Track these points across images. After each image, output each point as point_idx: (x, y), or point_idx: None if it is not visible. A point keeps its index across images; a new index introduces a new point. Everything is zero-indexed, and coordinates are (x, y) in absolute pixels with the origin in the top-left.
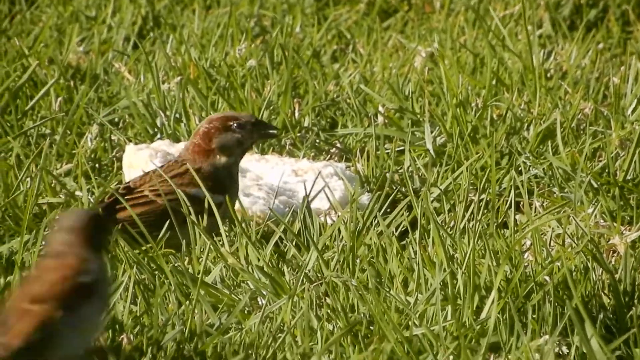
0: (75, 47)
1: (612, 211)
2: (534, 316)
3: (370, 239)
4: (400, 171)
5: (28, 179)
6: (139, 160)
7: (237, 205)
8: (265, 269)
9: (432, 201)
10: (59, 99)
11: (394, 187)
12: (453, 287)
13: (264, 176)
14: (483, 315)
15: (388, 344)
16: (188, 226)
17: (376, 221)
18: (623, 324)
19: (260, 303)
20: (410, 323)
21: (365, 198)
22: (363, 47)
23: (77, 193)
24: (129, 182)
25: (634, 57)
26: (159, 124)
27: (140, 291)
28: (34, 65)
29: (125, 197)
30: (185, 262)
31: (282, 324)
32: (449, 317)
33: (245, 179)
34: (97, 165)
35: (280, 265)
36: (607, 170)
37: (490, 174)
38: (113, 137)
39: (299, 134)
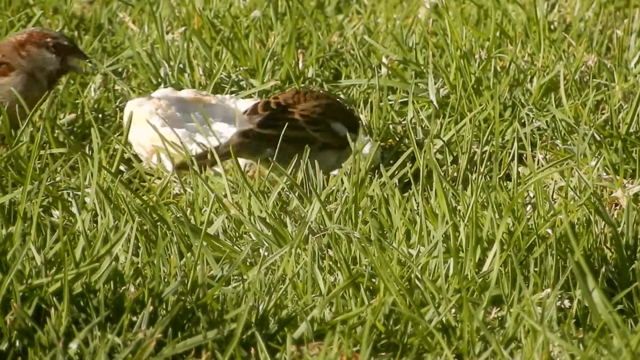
0: None
1: (614, 164)
2: (536, 269)
3: (373, 190)
4: (403, 123)
5: (31, 129)
6: (140, 116)
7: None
8: (267, 220)
9: (435, 153)
10: None
11: (397, 139)
12: (455, 240)
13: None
14: (485, 268)
15: (390, 296)
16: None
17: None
18: (625, 277)
19: (262, 255)
20: (412, 276)
21: (368, 149)
22: None
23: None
24: (278, 98)
25: (638, 10)
26: (162, 75)
27: (143, 242)
28: (38, 15)
29: (278, 117)
30: (188, 213)
31: (284, 275)
32: (451, 270)
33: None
34: (100, 115)
35: (282, 217)
36: (610, 123)
37: (494, 126)
38: (117, 87)
39: (302, 85)
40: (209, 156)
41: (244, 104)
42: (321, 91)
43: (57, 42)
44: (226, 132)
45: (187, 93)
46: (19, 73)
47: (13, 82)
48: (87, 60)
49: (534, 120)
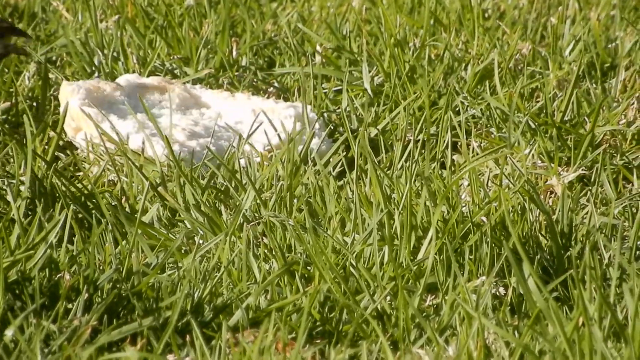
0: None
1: (549, 152)
2: (471, 257)
3: (308, 178)
4: (337, 111)
5: None
6: (63, 96)
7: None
8: (202, 208)
9: (369, 141)
10: None
11: (331, 127)
12: (390, 228)
13: (225, 115)
14: (420, 256)
15: (325, 284)
16: None
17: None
18: (560, 265)
19: (197, 243)
20: (347, 263)
21: (315, 142)
22: None
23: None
24: None
25: None
26: (96, 63)
27: (77, 230)
28: None
29: None
30: (122, 201)
31: (219, 263)
32: (386, 258)
33: (192, 115)
34: (34, 103)
35: (217, 205)
36: (544, 111)
37: (428, 114)
38: (51, 76)
39: (236, 73)
40: None
41: (210, 94)
42: None
43: None
44: (165, 120)
45: (153, 80)
46: None
47: None
48: (28, 39)
49: (468, 109)
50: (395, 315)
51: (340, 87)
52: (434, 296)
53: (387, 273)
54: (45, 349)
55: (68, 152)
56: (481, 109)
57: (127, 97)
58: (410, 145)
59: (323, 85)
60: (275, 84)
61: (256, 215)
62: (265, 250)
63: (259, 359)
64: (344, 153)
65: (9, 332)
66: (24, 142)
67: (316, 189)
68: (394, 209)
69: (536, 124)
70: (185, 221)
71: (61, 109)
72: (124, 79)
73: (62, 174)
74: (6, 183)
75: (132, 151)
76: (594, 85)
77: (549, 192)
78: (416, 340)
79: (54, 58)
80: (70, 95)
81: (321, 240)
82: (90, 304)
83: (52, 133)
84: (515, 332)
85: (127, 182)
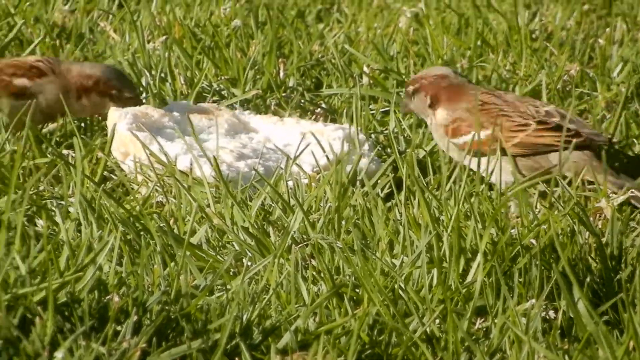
0: (61, 6)
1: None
2: (521, 280)
3: (356, 200)
4: (385, 132)
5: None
6: (110, 121)
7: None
8: (250, 229)
9: (417, 163)
10: None
11: (379, 149)
12: (439, 250)
13: (274, 138)
14: (469, 278)
15: (374, 306)
16: None
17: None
18: (610, 288)
19: (246, 265)
20: (396, 286)
21: (363, 162)
22: (348, 7)
23: (64, 152)
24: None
25: (619, 19)
26: (144, 84)
27: (126, 252)
28: (19, 24)
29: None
30: (171, 223)
31: (267, 285)
32: (434, 280)
33: (241, 139)
34: (82, 124)
35: (265, 227)
36: None
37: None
38: None
39: (284, 94)
40: None
41: (259, 119)
42: None
43: (120, 95)
44: (213, 144)
45: (201, 106)
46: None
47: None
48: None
49: None
50: (444, 339)
51: (387, 108)
52: (483, 319)
53: (436, 296)
54: None
55: (116, 173)
56: None
57: (175, 123)
58: (458, 167)
59: (370, 107)
60: (323, 105)
61: (304, 237)
62: (314, 273)
63: None
64: (392, 174)
65: (58, 355)
66: (73, 163)
67: (364, 210)
68: (442, 231)
69: None
70: (234, 243)
71: (109, 132)
72: (171, 106)
73: (111, 196)
74: (55, 204)
75: (180, 172)
76: None
77: (598, 215)
78: None
79: None
80: (118, 120)
81: (370, 262)
82: (139, 326)
83: (100, 154)
84: (566, 356)
85: (176, 203)
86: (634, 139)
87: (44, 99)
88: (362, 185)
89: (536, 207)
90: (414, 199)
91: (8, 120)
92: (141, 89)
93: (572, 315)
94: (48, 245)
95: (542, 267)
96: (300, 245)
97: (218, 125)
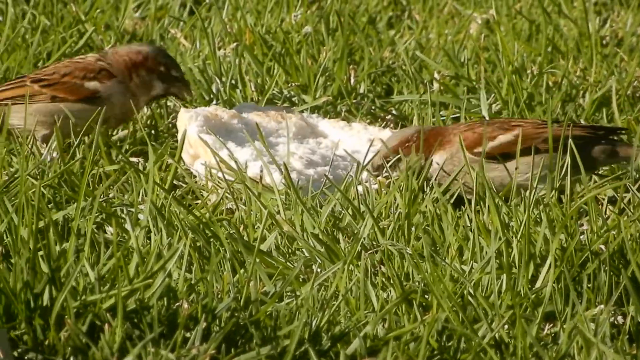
0: (132, 13)
1: None
2: (589, 285)
3: (426, 206)
4: None
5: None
6: (181, 123)
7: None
8: (320, 236)
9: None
10: None
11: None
12: (508, 256)
13: (342, 144)
14: (538, 284)
15: (443, 312)
16: None
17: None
18: None
19: (315, 271)
20: (465, 292)
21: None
22: (418, 13)
23: (133, 159)
24: None
25: None
26: (214, 90)
27: (196, 258)
28: (90, 31)
29: None
30: (241, 230)
31: (336, 292)
32: (504, 286)
33: (309, 144)
34: (152, 131)
35: (335, 233)
36: None
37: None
38: (169, 104)
39: (354, 101)
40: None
41: (327, 123)
42: None
43: (167, 73)
44: (282, 149)
45: (270, 109)
46: (120, 83)
47: (113, 89)
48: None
49: None
50: (513, 344)
51: (458, 115)
52: (552, 325)
53: (505, 301)
54: None
55: (186, 179)
56: None
57: (244, 124)
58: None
59: (441, 113)
60: (393, 112)
61: (374, 243)
62: (383, 279)
63: None
64: (462, 181)
65: None
66: (142, 170)
67: (434, 216)
68: (512, 237)
69: None
70: (304, 249)
71: (179, 136)
72: (241, 107)
73: (181, 203)
74: (125, 211)
75: (250, 179)
76: None
77: None
78: None
79: None
80: (188, 122)
81: (439, 268)
82: (208, 332)
83: (170, 161)
84: None
85: (246, 210)
86: None
87: (116, 101)
88: (432, 192)
89: (605, 213)
90: (484, 206)
91: (79, 126)
92: (211, 95)
93: None
94: (117, 253)
95: (611, 273)
96: (370, 252)
97: (288, 129)
